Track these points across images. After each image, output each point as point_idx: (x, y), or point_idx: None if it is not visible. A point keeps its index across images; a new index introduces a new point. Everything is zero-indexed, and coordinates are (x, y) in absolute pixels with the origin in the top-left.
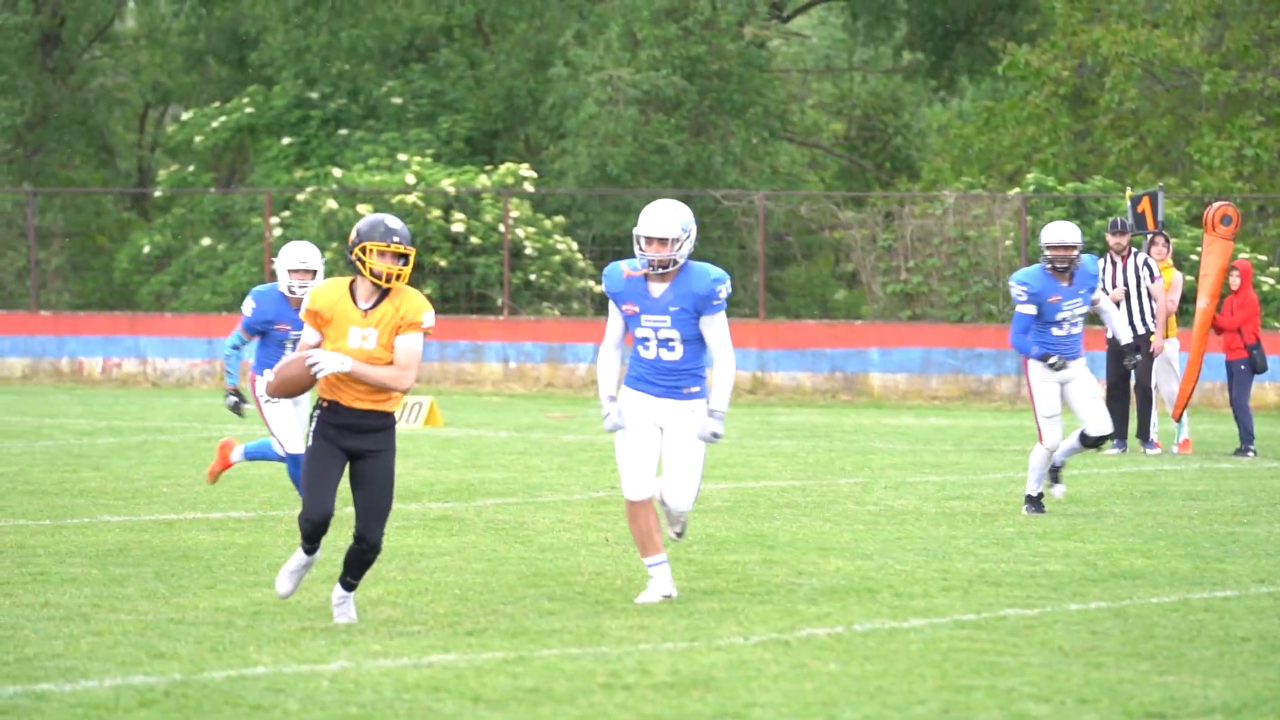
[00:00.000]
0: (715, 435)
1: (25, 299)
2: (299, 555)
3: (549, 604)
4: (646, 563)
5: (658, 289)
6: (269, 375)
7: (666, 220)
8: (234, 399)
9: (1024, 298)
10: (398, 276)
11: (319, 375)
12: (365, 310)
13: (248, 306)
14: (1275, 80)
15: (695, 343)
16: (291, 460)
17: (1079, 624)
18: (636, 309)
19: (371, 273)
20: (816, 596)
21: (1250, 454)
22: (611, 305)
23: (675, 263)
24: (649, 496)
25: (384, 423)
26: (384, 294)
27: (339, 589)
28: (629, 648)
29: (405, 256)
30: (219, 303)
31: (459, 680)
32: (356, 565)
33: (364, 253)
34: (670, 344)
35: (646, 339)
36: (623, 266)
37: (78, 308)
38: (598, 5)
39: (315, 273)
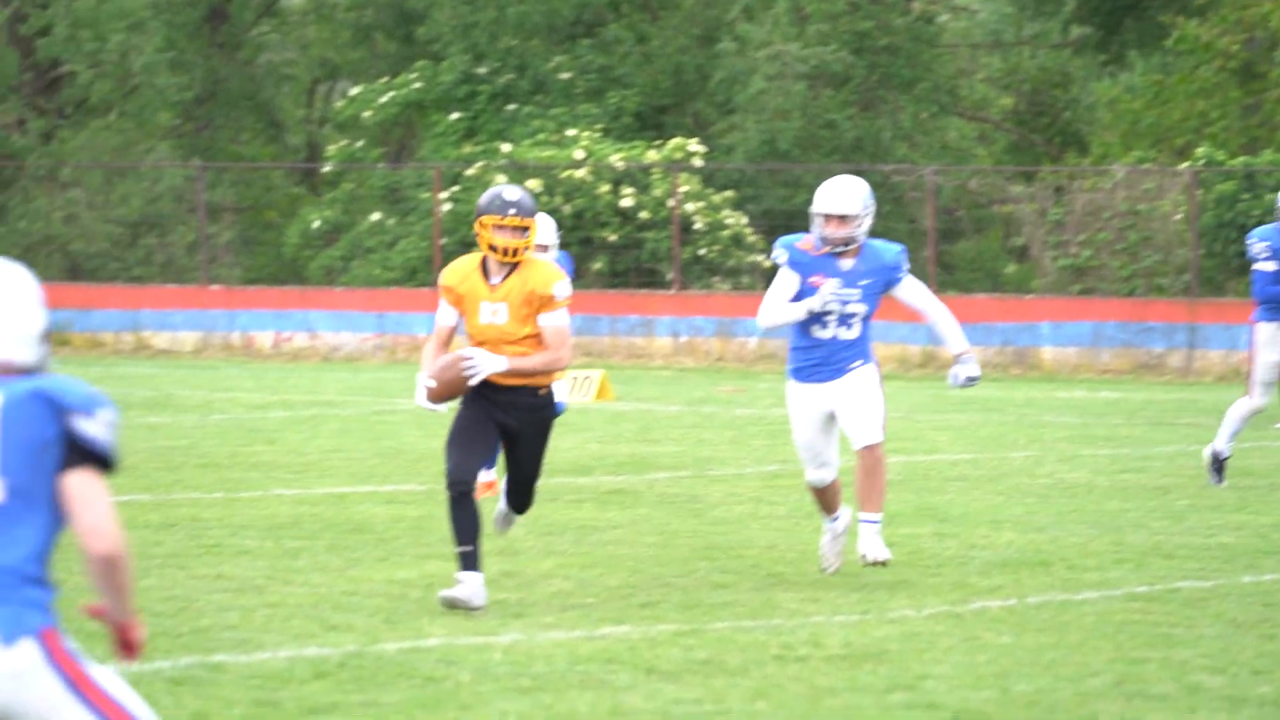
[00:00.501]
0: (971, 379)
1: (196, 273)
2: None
3: (721, 577)
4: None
5: (847, 263)
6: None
7: (848, 196)
8: None
9: (1266, 254)
10: (518, 250)
11: (474, 379)
12: (494, 285)
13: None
14: None
15: (869, 321)
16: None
17: (1252, 596)
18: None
19: (490, 247)
20: (989, 569)
21: None
22: (786, 270)
23: (854, 240)
24: (833, 480)
25: (535, 400)
26: (513, 267)
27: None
28: (801, 620)
29: (525, 229)
30: (389, 277)
31: (632, 652)
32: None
33: (482, 227)
34: (851, 321)
35: (827, 315)
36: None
37: (248, 282)
38: None
39: (549, 247)
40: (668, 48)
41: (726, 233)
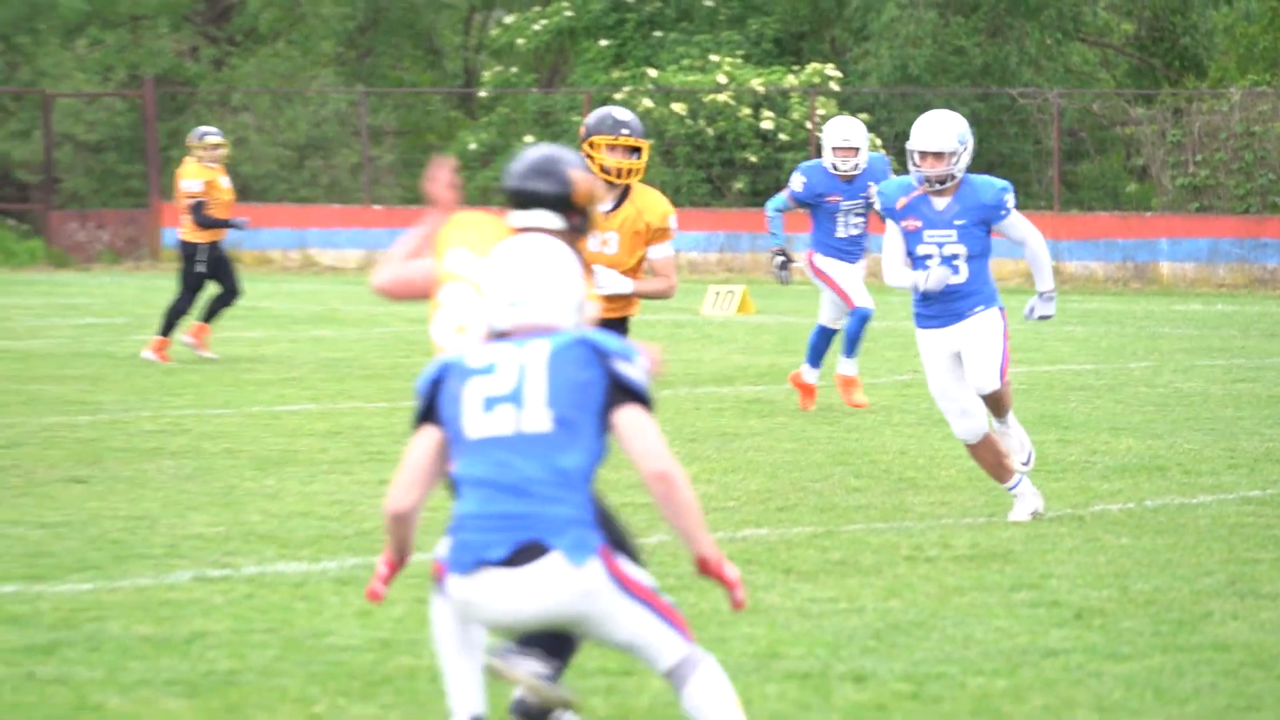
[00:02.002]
0: (1044, 317)
1: (359, 194)
2: None
3: (855, 481)
4: (1006, 489)
5: (940, 202)
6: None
7: (942, 132)
8: (781, 258)
9: None
10: (630, 172)
11: (599, 293)
12: (605, 214)
13: (797, 181)
14: None
15: (980, 260)
16: (822, 332)
17: None
18: (919, 224)
19: (601, 169)
20: (1109, 474)
21: None
22: (889, 224)
23: (953, 178)
24: (983, 433)
25: (624, 330)
26: (624, 196)
27: None
28: (931, 523)
29: (637, 150)
30: None
31: (770, 553)
32: None
33: (592, 148)
34: (955, 263)
35: (929, 257)
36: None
37: (408, 202)
38: None
39: (858, 149)
40: None
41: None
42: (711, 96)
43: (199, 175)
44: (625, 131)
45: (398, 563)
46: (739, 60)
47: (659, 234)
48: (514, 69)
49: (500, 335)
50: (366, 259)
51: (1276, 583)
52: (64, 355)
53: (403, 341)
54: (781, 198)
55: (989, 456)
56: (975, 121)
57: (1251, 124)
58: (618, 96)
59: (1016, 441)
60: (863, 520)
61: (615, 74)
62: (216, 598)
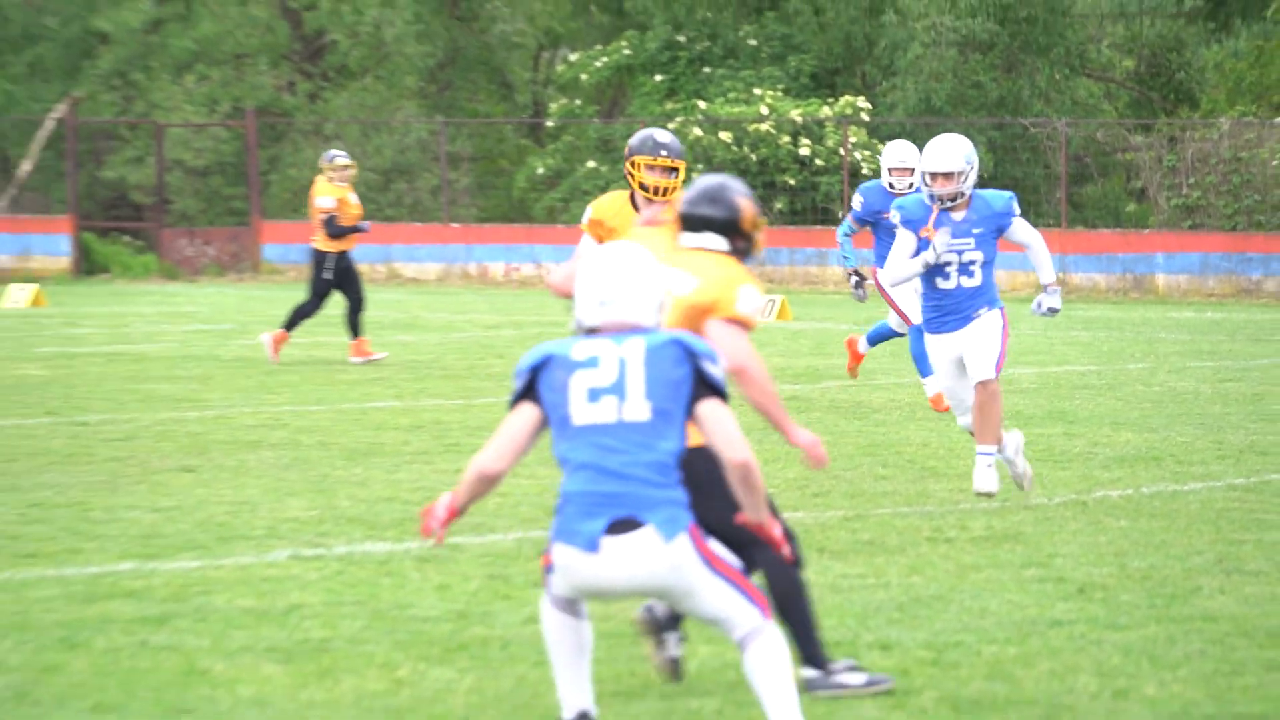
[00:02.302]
0: (1053, 310)
1: (438, 213)
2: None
3: (882, 470)
4: (977, 450)
5: (958, 215)
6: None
7: (950, 154)
8: (856, 278)
9: None
10: (668, 190)
11: None
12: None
13: (856, 201)
14: None
15: (989, 266)
16: (915, 332)
17: None
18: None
19: (641, 186)
20: (1109, 464)
21: None
22: (902, 230)
23: (962, 195)
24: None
25: None
26: (666, 205)
27: None
28: (950, 507)
29: (675, 170)
30: None
31: (806, 534)
32: None
33: (634, 167)
34: (971, 269)
35: (948, 264)
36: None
37: (482, 220)
38: None
39: (913, 169)
40: (839, 19)
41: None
42: (754, 126)
43: (331, 193)
44: (664, 153)
45: (458, 513)
46: (779, 93)
47: None
48: (578, 101)
49: (589, 331)
50: (444, 271)
51: (1259, 561)
52: (174, 358)
53: (477, 345)
54: (846, 222)
55: (987, 414)
56: (991, 148)
57: (1239, 150)
58: (670, 126)
59: (1021, 469)
60: (889, 505)
61: (668, 106)
62: (311, 574)
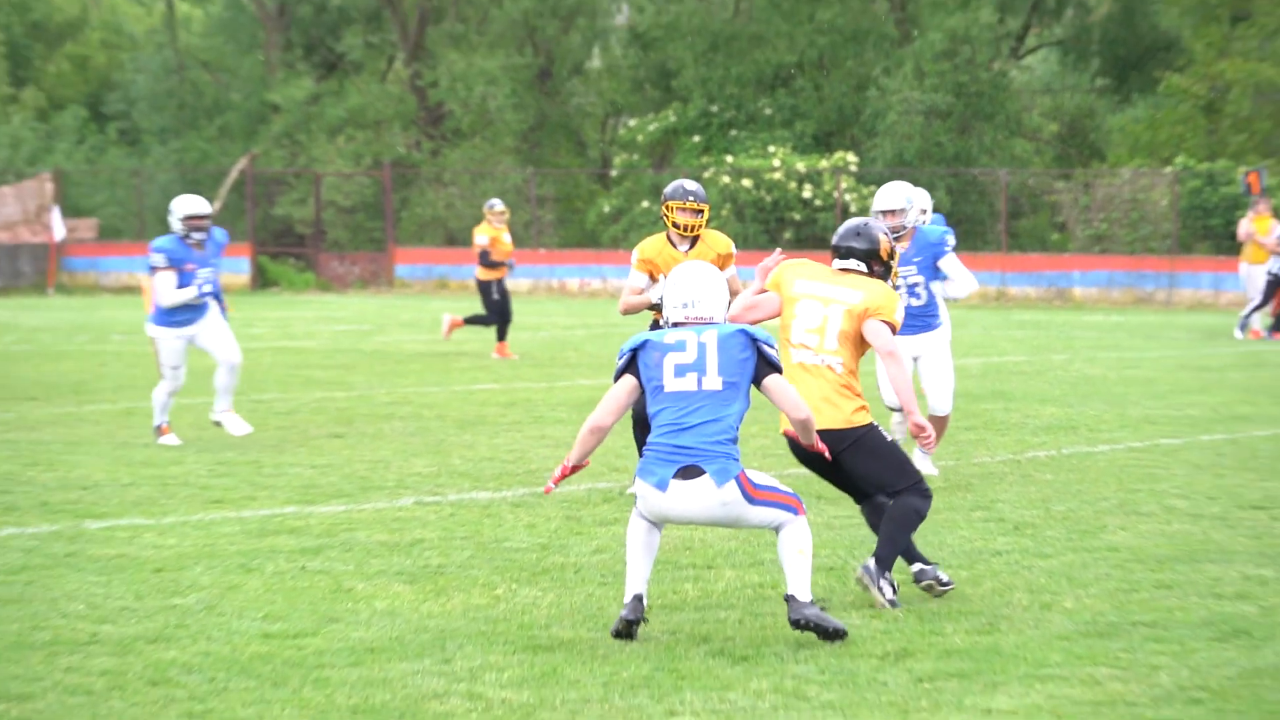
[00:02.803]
0: (952, 297)
1: (530, 241)
2: None
3: None
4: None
5: (903, 245)
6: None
7: (893, 196)
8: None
9: None
10: (695, 227)
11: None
12: (685, 252)
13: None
14: None
15: (930, 288)
16: None
17: (1208, 449)
18: None
19: (674, 225)
20: (1038, 431)
21: None
22: None
23: (904, 227)
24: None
25: None
26: (695, 240)
27: None
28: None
29: (700, 211)
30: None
31: (806, 485)
32: None
33: (668, 209)
34: (916, 290)
35: (898, 286)
36: None
37: (562, 246)
38: (898, 51)
39: (927, 210)
40: (834, 94)
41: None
42: (769, 175)
43: (487, 233)
44: (691, 199)
45: (573, 469)
46: (788, 150)
47: (724, 259)
48: (635, 156)
49: (675, 324)
50: (534, 285)
51: (1151, 505)
52: (327, 350)
53: (556, 342)
54: None
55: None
56: (949, 192)
57: (1137, 193)
58: (706, 175)
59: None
60: None
61: (704, 159)
62: (430, 516)
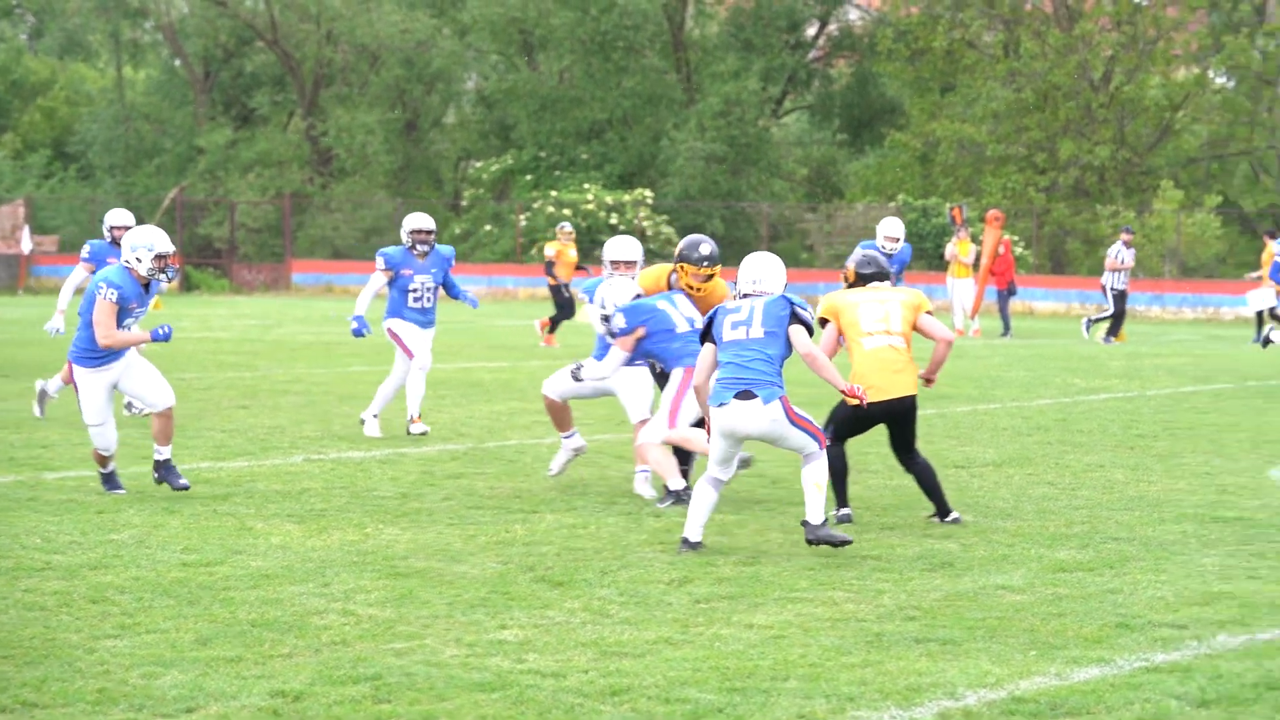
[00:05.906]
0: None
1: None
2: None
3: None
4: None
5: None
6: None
7: (897, 225)
8: None
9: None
10: (704, 287)
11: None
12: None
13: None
14: (1021, 149)
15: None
16: None
17: (922, 421)
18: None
19: (688, 285)
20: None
21: (1008, 336)
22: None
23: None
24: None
25: None
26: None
27: None
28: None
29: (711, 275)
30: (493, 258)
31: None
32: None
33: (683, 270)
34: None
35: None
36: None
37: None
38: (684, 110)
39: (635, 263)
40: (636, 143)
41: (663, 235)
42: (585, 205)
43: (552, 246)
44: (706, 264)
45: (705, 422)
46: (599, 186)
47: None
48: (480, 190)
49: (744, 295)
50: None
51: (877, 465)
52: (237, 340)
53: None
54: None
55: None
56: (724, 220)
57: (869, 223)
58: (535, 205)
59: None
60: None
61: (534, 193)
62: (316, 470)
